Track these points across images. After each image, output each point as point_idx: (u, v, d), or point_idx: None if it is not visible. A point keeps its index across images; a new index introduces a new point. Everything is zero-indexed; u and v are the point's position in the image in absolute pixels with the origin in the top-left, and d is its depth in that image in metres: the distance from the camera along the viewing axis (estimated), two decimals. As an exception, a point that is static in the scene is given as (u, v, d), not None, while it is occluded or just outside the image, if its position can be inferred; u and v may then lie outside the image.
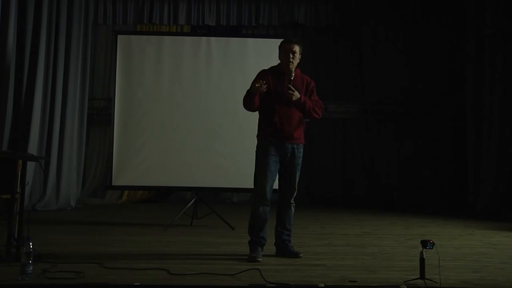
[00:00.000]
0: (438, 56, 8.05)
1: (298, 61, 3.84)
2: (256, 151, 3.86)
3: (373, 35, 8.39)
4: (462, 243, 4.56)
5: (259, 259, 3.59)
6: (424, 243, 3.02)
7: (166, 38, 6.25)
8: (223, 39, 6.14)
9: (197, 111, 5.81)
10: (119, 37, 5.94)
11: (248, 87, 3.78)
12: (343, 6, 8.56)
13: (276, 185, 3.88)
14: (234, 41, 6.15)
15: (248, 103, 3.78)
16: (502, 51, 6.97)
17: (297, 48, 3.81)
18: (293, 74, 3.78)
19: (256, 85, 3.65)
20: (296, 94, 3.74)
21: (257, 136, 3.89)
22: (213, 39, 6.07)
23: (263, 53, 5.82)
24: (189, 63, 5.93)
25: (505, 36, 6.94)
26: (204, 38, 6.11)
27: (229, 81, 5.84)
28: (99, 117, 8.40)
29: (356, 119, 8.74)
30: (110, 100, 6.60)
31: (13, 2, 6.46)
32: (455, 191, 7.73)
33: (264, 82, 3.67)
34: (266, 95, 3.76)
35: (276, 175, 3.82)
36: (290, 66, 3.79)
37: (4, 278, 2.91)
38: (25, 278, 2.87)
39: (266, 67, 3.95)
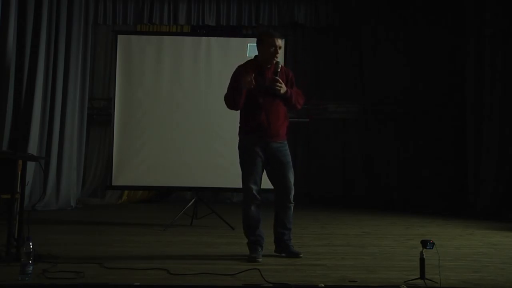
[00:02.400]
0: (438, 56, 8.05)
1: None
2: (239, 149, 3.79)
3: (373, 35, 8.39)
4: (462, 243, 4.56)
5: (259, 259, 3.58)
6: (424, 243, 3.01)
7: (166, 38, 6.25)
8: (223, 39, 6.14)
9: (197, 111, 5.81)
10: (119, 37, 5.93)
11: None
12: (343, 6, 8.56)
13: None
14: (234, 41, 6.15)
15: (234, 100, 3.68)
16: (502, 51, 6.97)
17: (281, 43, 3.75)
18: (280, 66, 3.71)
19: (248, 79, 3.54)
20: (284, 87, 3.68)
21: (239, 135, 3.82)
22: (213, 39, 6.07)
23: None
24: (189, 63, 5.93)
25: (505, 36, 6.94)
26: (204, 38, 6.11)
27: (229, 81, 5.82)
28: (99, 117, 8.39)
29: (356, 119, 8.73)
30: (110, 100, 6.60)
31: (13, 2, 6.46)
32: (455, 191, 7.72)
33: (254, 76, 3.57)
34: (248, 90, 3.66)
35: (262, 171, 3.76)
36: (274, 61, 3.71)
37: (4, 278, 2.91)
38: (25, 278, 2.87)
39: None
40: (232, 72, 3.84)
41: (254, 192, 3.71)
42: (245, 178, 3.73)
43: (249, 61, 3.88)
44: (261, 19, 8.43)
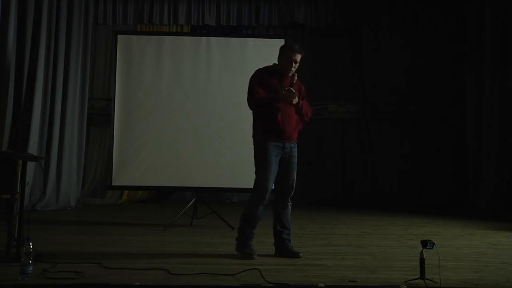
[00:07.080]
0: (438, 55, 8.06)
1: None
2: (256, 150, 3.83)
3: (373, 35, 8.40)
4: (462, 243, 4.56)
5: (255, 255, 3.61)
6: (424, 243, 3.01)
7: (166, 38, 6.25)
8: (223, 39, 6.14)
9: (197, 111, 5.81)
10: (119, 37, 5.94)
11: (248, 87, 3.79)
12: (343, 6, 8.56)
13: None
14: (234, 41, 6.15)
15: (261, 105, 3.77)
16: (502, 52, 6.97)
17: (300, 58, 3.81)
18: (296, 78, 3.81)
19: (291, 98, 3.66)
20: (296, 98, 3.76)
21: (255, 136, 3.86)
22: (213, 39, 6.07)
23: (263, 53, 5.81)
24: (189, 63, 5.93)
25: (505, 36, 6.94)
26: (204, 38, 6.11)
27: (229, 81, 5.84)
28: (99, 117, 8.40)
29: (356, 119, 8.74)
30: (110, 100, 6.60)
31: (13, 2, 6.46)
32: (455, 191, 7.73)
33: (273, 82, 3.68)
34: (266, 94, 3.76)
35: (276, 174, 3.82)
36: (290, 74, 3.81)
37: (4, 278, 2.91)
38: (25, 278, 2.87)
39: (266, 67, 3.95)
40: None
41: (268, 193, 3.75)
42: (262, 178, 3.75)
43: (267, 66, 3.93)
44: (261, 19, 8.42)
